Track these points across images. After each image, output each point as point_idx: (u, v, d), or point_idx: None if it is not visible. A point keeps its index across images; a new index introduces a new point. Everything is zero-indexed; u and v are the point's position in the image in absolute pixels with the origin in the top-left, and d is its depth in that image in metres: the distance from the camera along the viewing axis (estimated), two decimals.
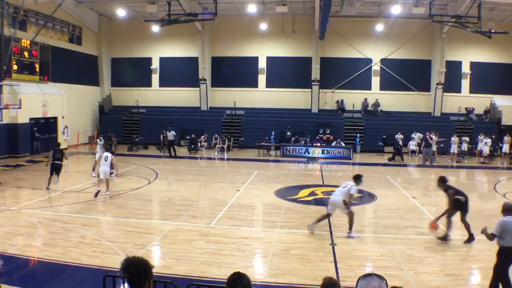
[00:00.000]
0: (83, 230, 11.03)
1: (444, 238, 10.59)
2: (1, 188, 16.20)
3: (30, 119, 25.79)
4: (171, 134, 27.14)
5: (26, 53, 25.74)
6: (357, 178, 11.17)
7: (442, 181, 10.92)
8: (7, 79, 22.81)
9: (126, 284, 3.40)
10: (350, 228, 10.99)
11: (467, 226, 10.43)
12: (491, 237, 7.37)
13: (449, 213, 10.66)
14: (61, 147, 18.45)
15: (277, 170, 23.32)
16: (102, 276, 6.32)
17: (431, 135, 24.76)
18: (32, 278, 8.32)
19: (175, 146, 27.47)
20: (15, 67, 24.78)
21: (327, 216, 11.34)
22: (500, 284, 7.31)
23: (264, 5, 29.40)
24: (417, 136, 27.57)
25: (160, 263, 9.15)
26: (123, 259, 3.55)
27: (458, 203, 10.54)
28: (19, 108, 22.11)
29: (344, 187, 11.15)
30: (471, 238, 10.35)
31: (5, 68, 22.20)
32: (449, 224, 10.62)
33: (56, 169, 16.17)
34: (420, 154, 26.32)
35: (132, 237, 10.60)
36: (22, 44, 25.38)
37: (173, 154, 26.73)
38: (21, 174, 19.63)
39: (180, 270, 8.49)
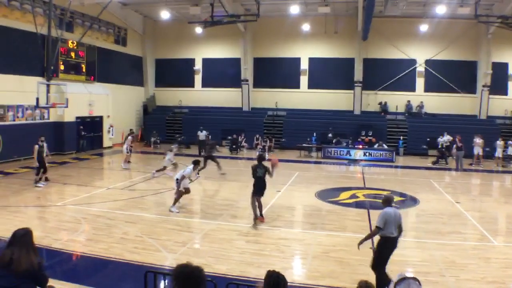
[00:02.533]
0: (125, 227, 11.27)
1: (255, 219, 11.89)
2: (48, 184, 16.75)
3: (76, 117, 26.52)
4: (202, 134, 27.37)
5: (72, 54, 26.56)
6: (195, 163, 13.93)
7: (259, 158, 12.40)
8: (54, 78, 23.63)
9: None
10: (173, 204, 13.02)
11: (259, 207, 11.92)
12: (376, 231, 7.44)
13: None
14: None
15: (318, 171, 23.14)
16: (143, 272, 6.44)
17: (476, 138, 23.88)
18: (75, 272, 8.54)
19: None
20: (62, 67, 25.64)
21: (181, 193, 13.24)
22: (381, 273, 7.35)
23: (307, 6, 29.23)
24: (446, 138, 26.17)
25: (200, 261, 9.21)
26: (176, 265, 3.59)
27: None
28: (66, 107, 22.88)
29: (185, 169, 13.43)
30: (255, 218, 11.86)
31: (52, 68, 22.97)
32: (257, 206, 11.94)
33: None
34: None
35: (173, 234, 10.74)
36: (69, 45, 26.19)
37: (202, 154, 26.85)
38: (67, 171, 20.24)
39: (220, 269, 8.53)
